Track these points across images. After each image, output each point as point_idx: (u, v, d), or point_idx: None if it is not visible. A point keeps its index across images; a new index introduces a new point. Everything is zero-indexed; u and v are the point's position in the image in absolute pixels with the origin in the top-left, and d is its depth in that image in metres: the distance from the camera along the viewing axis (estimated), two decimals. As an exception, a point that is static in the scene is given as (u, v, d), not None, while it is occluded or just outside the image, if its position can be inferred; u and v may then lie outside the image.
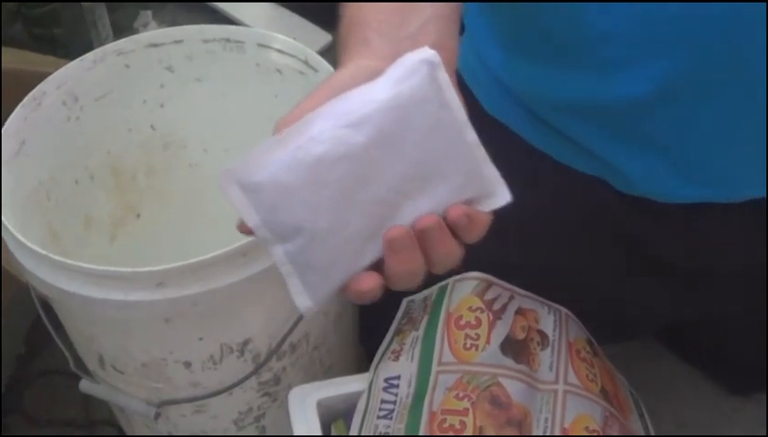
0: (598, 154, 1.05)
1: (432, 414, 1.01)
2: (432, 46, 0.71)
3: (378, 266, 0.70)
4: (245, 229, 0.70)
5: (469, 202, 0.71)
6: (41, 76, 1.24)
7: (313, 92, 0.72)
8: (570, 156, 1.09)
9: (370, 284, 0.69)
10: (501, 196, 0.72)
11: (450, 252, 0.71)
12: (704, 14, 0.84)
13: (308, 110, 0.69)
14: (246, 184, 0.68)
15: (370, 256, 0.70)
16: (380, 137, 0.67)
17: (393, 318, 1.15)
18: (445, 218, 0.70)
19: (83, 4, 2.01)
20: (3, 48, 1.77)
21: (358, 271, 0.70)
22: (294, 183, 0.67)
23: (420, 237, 0.69)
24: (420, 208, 0.69)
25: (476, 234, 0.71)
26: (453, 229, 0.70)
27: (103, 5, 2.04)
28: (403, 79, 0.69)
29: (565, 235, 1.14)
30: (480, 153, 0.71)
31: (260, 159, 0.68)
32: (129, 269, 0.99)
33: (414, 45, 0.73)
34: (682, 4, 0.84)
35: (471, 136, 0.71)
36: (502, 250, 0.98)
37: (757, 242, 1.11)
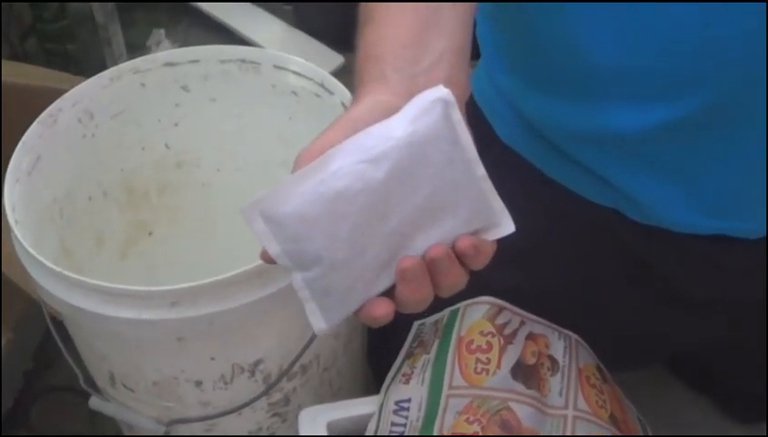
0: (613, 183, 1.05)
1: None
2: (444, 83, 0.73)
3: (389, 291, 0.73)
4: (266, 257, 0.73)
5: (475, 232, 0.74)
6: (54, 93, 1.24)
7: (332, 125, 0.73)
8: (584, 185, 1.09)
9: (383, 310, 0.72)
10: (506, 226, 0.74)
11: (457, 280, 0.73)
12: (721, 46, 0.85)
13: (329, 143, 0.71)
14: (269, 216, 0.70)
15: (384, 283, 0.72)
16: (397, 172, 0.70)
17: (400, 340, 1.15)
18: (453, 248, 0.72)
19: (97, 21, 2.02)
20: (17, 64, 1.77)
21: (371, 297, 0.72)
22: (315, 216, 0.69)
23: (430, 265, 0.72)
24: (431, 237, 0.72)
25: (481, 262, 0.73)
26: (460, 258, 0.73)
27: (117, 22, 2.05)
28: (419, 117, 0.71)
29: (577, 263, 1.14)
30: (488, 186, 0.74)
31: (284, 193, 0.70)
32: (143, 288, 0.99)
33: (427, 81, 0.75)
34: (699, 36, 0.85)
35: (480, 170, 0.73)
36: (514, 276, 0.99)
37: (765, 275, 1.12)
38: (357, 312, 0.73)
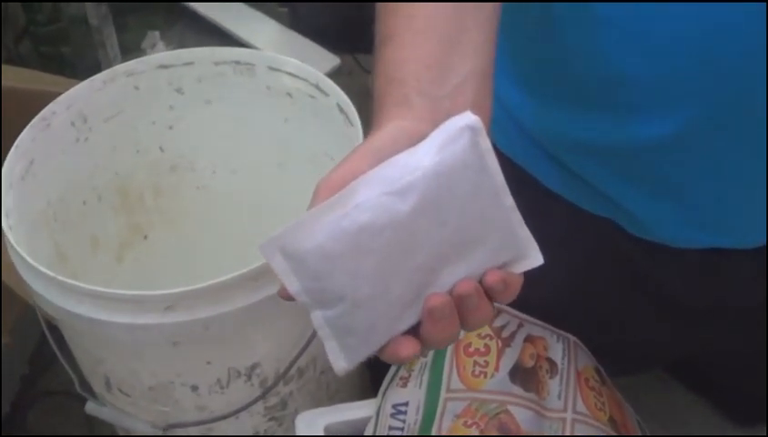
0: (612, 197, 1.05)
1: (441, 441, 1.01)
2: (470, 106, 0.71)
3: (413, 328, 0.69)
4: (285, 295, 0.69)
5: (503, 265, 0.71)
6: (49, 96, 1.24)
7: (353, 153, 0.70)
8: (582, 197, 1.09)
9: (410, 350, 0.68)
10: (534, 258, 0.72)
11: (485, 315, 0.70)
12: (721, 58, 0.84)
13: (350, 173, 0.68)
14: (290, 252, 0.67)
15: (409, 321, 0.69)
16: (424, 204, 0.66)
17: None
18: (481, 282, 0.69)
19: (91, 24, 2.01)
20: (11, 67, 1.77)
21: (395, 335, 0.69)
22: (338, 252, 0.66)
23: (458, 302, 0.68)
24: (458, 272, 0.69)
25: (510, 297, 0.71)
26: (488, 293, 0.70)
27: (111, 25, 2.04)
28: (446, 145, 0.68)
29: (576, 273, 1.13)
30: (516, 217, 0.71)
31: (305, 227, 0.67)
32: (138, 292, 0.99)
33: (452, 105, 0.73)
34: (699, 46, 0.84)
35: (508, 200, 0.70)
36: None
37: (764, 283, 1.11)
38: (380, 351, 0.69)
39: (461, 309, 0.69)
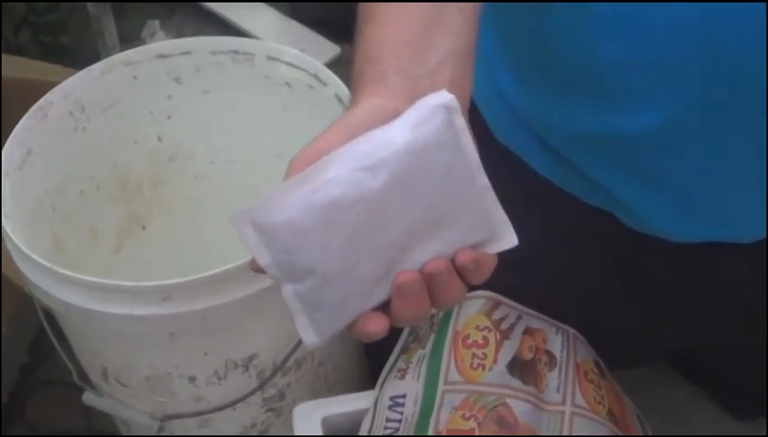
0: (607, 188, 1.04)
1: (438, 434, 1.00)
2: (449, 85, 0.70)
3: (384, 305, 0.70)
4: (256, 267, 0.70)
5: (476, 245, 0.71)
6: (48, 85, 1.23)
7: (328, 129, 0.70)
8: (580, 188, 1.08)
9: (378, 326, 0.69)
10: (508, 239, 0.71)
11: (456, 294, 0.70)
12: (719, 48, 0.83)
13: (324, 148, 0.68)
14: (260, 225, 0.67)
15: (378, 297, 0.69)
16: (396, 181, 0.67)
17: (396, 335, 1.14)
18: (453, 261, 0.69)
19: (90, 13, 2.01)
20: (10, 57, 1.76)
21: (365, 311, 0.69)
22: (309, 226, 0.66)
23: (429, 280, 0.69)
24: (429, 250, 0.69)
25: (482, 277, 0.70)
26: (460, 272, 0.70)
27: (110, 14, 2.04)
28: (421, 123, 0.68)
29: (573, 266, 1.13)
30: (491, 197, 0.71)
31: (276, 201, 0.67)
32: (134, 283, 0.98)
33: (430, 84, 0.72)
34: (698, 31, 0.83)
35: (483, 180, 0.70)
36: (509, 277, 0.97)
37: (764, 277, 1.11)
38: (349, 327, 0.70)
39: (432, 288, 0.69)
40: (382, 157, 0.66)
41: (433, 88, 0.70)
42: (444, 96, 0.69)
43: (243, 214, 0.68)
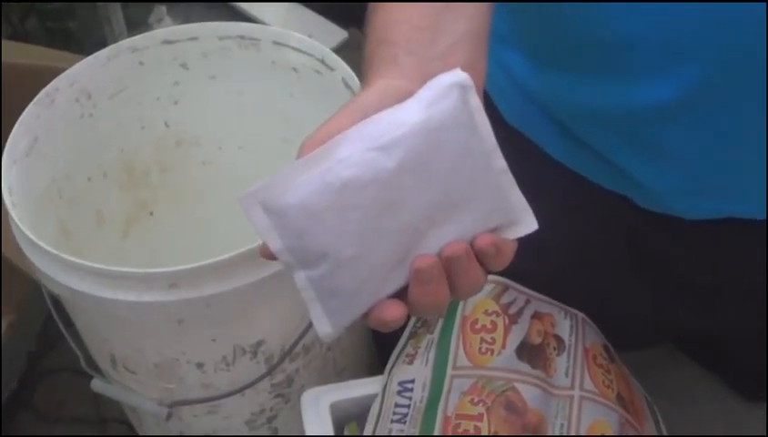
0: (619, 166, 1.04)
1: (447, 419, 1.00)
2: (462, 67, 0.69)
3: (400, 293, 0.68)
4: (266, 253, 0.68)
5: (494, 229, 0.69)
6: (55, 72, 1.23)
7: (340, 111, 0.69)
8: (591, 168, 1.08)
9: (395, 314, 0.66)
10: (528, 224, 0.69)
11: (476, 280, 0.68)
12: (731, 19, 0.83)
13: (335, 130, 0.67)
14: (271, 206, 0.65)
15: (395, 284, 0.67)
16: (410, 161, 0.65)
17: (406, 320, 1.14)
18: (472, 246, 0.67)
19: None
20: (17, 43, 1.76)
21: (381, 299, 0.67)
22: (321, 207, 0.64)
23: (447, 265, 0.66)
24: (446, 235, 0.67)
25: (502, 263, 0.69)
26: (479, 258, 0.67)
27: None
28: (435, 102, 0.66)
29: (585, 247, 1.13)
30: (508, 180, 0.69)
31: (287, 181, 0.65)
32: (142, 270, 0.98)
33: (444, 66, 0.71)
34: (709, 8, 0.83)
35: (500, 162, 0.68)
36: (520, 259, 0.97)
37: None
38: (365, 316, 0.68)
39: (450, 273, 0.67)
40: (396, 136, 0.65)
41: (446, 70, 0.69)
42: (458, 75, 0.67)
43: (252, 194, 0.65)
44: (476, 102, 0.68)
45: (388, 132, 0.65)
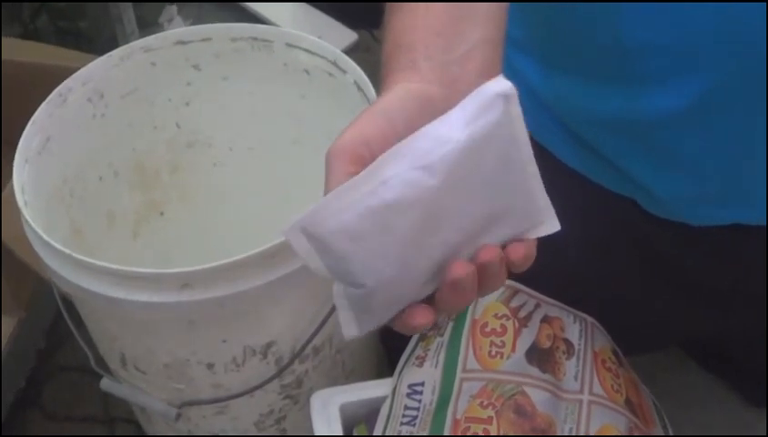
0: (629, 173, 1.04)
1: (456, 422, 1.00)
2: (479, 74, 0.70)
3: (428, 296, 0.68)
4: None
5: (521, 233, 0.69)
6: (66, 71, 1.23)
7: (361, 117, 0.68)
8: (601, 174, 1.08)
9: (424, 319, 0.66)
10: (551, 224, 0.69)
11: (501, 284, 0.69)
12: (744, 27, 0.83)
13: (359, 136, 0.66)
14: (313, 234, 0.64)
15: (426, 292, 0.67)
16: (453, 178, 0.64)
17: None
18: (504, 253, 0.67)
19: None
20: (28, 42, 1.77)
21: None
22: (364, 232, 0.63)
23: (481, 270, 0.66)
24: (478, 242, 0.67)
25: (527, 266, 0.69)
26: (508, 264, 0.68)
27: (129, -2, 2.04)
28: (479, 115, 0.65)
29: (594, 252, 1.13)
30: (539, 185, 0.68)
31: (329, 208, 0.63)
32: (154, 270, 0.98)
33: (461, 71, 0.71)
34: (723, 13, 0.83)
35: (533, 168, 0.68)
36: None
37: None
38: (392, 319, 0.68)
39: (482, 277, 0.66)
40: (440, 154, 0.63)
41: (464, 76, 0.70)
42: (503, 84, 0.66)
43: (296, 224, 0.64)
44: (517, 111, 0.66)
45: (432, 150, 0.64)
